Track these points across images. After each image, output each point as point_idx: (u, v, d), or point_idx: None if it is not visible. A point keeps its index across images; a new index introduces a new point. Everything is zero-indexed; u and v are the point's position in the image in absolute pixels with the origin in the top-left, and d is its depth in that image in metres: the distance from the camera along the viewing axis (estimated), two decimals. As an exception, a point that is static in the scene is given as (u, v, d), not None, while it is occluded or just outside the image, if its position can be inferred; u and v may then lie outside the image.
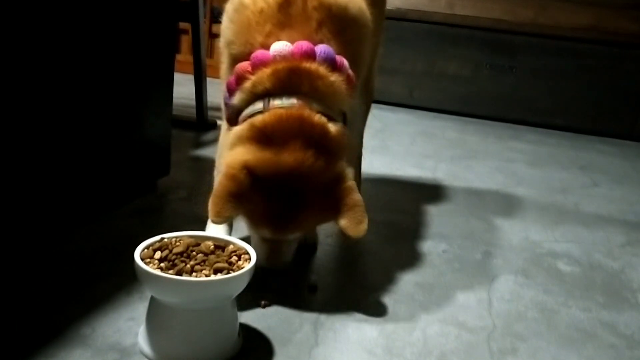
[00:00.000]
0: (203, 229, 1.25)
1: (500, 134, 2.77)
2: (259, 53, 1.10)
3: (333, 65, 1.12)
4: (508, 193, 1.93)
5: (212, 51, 3.49)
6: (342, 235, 1.08)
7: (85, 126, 1.29)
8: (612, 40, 2.87)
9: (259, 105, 1.09)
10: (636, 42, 2.84)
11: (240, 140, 1.08)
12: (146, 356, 0.92)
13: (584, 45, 2.90)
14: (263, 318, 1.07)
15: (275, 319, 1.07)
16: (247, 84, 1.10)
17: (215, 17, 3.49)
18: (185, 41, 3.52)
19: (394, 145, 2.41)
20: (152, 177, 1.62)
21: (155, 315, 0.92)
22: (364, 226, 1.05)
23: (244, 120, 1.10)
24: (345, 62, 1.15)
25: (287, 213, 1.07)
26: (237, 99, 1.12)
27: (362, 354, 0.99)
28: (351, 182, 1.09)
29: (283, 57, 1.08)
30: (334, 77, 1.11)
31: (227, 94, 1.16)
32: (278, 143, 1.05)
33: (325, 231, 1.47)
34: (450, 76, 3.07)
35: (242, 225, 1.44)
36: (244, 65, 1.11)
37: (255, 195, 1.04)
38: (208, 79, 2.41)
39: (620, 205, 1.92)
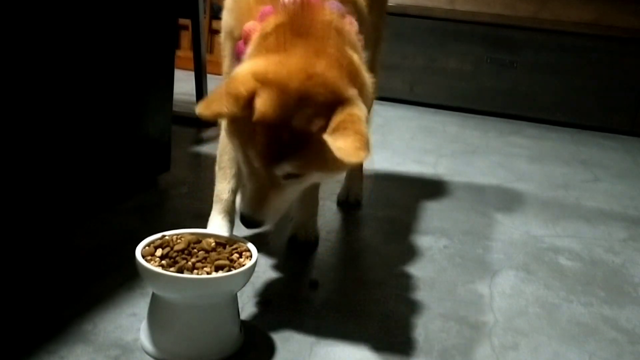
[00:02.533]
0: (204, 225, 1.25)
1: (501, 129, 2.76)
2: (265, 8, 1.03)
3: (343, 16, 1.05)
4: (509, 188, 1.92)
5: (212, 47, 3.48)
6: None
7: (85, 122, 1.29)
8: (613, 35, 2.86)
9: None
10: (638, 36, 2.83)
11: (250, 57, 0.99)
12: (147, 352, 0.92)
13: (585, 40, 2.89)
14: (264, 314, 1.07)
15: (277, 315, 1.07)
16: (256, 34, 1.02)
17: (215, 13, 3.49)
18: (186, 37, 3.52)
19: (395, 140, 2.40)
20: (153, 174, 1.62)
21: (157, 312, 0.92)
22: (363, 152, 0.87)
23: None
24: (356, 23, 1.08)
25: (280, 134, 0.92)
26: (248, 53, 1.03)
27: (363, 349, 0.99)
28: (361, 113, 0.93)
29: (292, 2, 1.01)
30: (346, 25, 1.04)
31: (237, 61, 1.08)
32: (286, 44, 0.96)
33: (326, 227, 1.47)
34: (451, 71, 3.06)
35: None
36: (251, 23, 1.04)
37: (257, 106, 0.92)
38: (208, 75, 2.40)
39: (622, 200, 1.91)
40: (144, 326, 0.95)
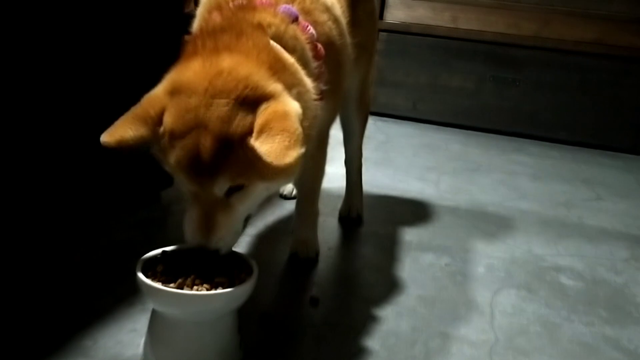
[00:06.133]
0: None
1: (503, 147, 2.77)
2: (213, 14, 1.01)
3: (295, 22, 1.03)
4: (511, 206, 1.92)
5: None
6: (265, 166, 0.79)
7: (89, 137, 1.30)
8: (615, 55, 2.87)
9: None
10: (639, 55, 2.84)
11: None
12: (147, 368, 0.92)
13: (588, 59, 2.90)
14: (265, 330, 1.06)
15: (277, 331, 1.07)
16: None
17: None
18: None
19: (397, 157, 2.41)
20: (156, 189, 1.62)
21: (157, 328, 0.92)
22: (292, 152, 0.77)
23: None
24: (312, 29, 1.05)
25: (201, 146, 0.83)
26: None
27: (363, 367, 0.99)
28: (288, 108, 0.83)
29: (235, 5, 0.99)
30: (290, 28, 1.00)
31: None
32: (199, 47, 0.90)
33: (327, 244, 1.47)
34: (453, 89, 3.07)
35: (241, 238, 1.44)
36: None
37: (165, 121, 0.84)
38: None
39: (624, 219, 1.91)
40: (144, 342, 0.95)
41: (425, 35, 3.07)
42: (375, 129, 2.74)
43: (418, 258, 1.45)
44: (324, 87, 1.05)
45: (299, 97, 0.91)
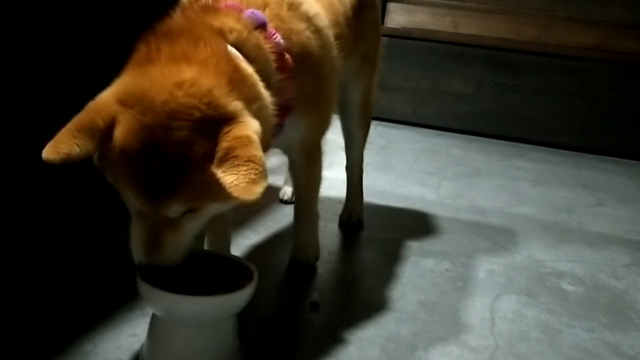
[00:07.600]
0: (204, 245, 1.25)
1: (503, 152, 2.77)
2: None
3: (260, 29, 0.97)
4: (511, 211, 1.92)
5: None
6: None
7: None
8: (616, 60, 2.88)
9: None
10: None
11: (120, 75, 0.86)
12: (147, 373, 0.92)
13: (588, 64, 2.91)
14: (264, 335, 1.06)
15: (277, 336, 1.06)
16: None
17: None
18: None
19: (398, 162, 2.41)
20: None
21: (157, 332, 0.92)
22: (258, 188, 0.74)
23: None
24: (279, 37, 0.99)
25: (154, 167, 0.78)
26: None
27: (363, 373, 0.99)
28: (251, 131, 0.79)
29: (199, 6, 0.95)
30: (254, 35, 0.94)
31: None
32: (153, 52, 0.84)
33: (328, 249, 1.47)
34: (454, 94, 3.07)
35: (242, 243, 1.44)
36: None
37: (116, 136, 0.77)
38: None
39: (625, 225, 1.91)
40: (144, 347, 0.95)
41: (426, 40, 3.07)
42: (376, 134, 2.74)
43: (418, 263, 1.45)
44: (285, 102, 0.99)
45: (259, 112, 0.87)
